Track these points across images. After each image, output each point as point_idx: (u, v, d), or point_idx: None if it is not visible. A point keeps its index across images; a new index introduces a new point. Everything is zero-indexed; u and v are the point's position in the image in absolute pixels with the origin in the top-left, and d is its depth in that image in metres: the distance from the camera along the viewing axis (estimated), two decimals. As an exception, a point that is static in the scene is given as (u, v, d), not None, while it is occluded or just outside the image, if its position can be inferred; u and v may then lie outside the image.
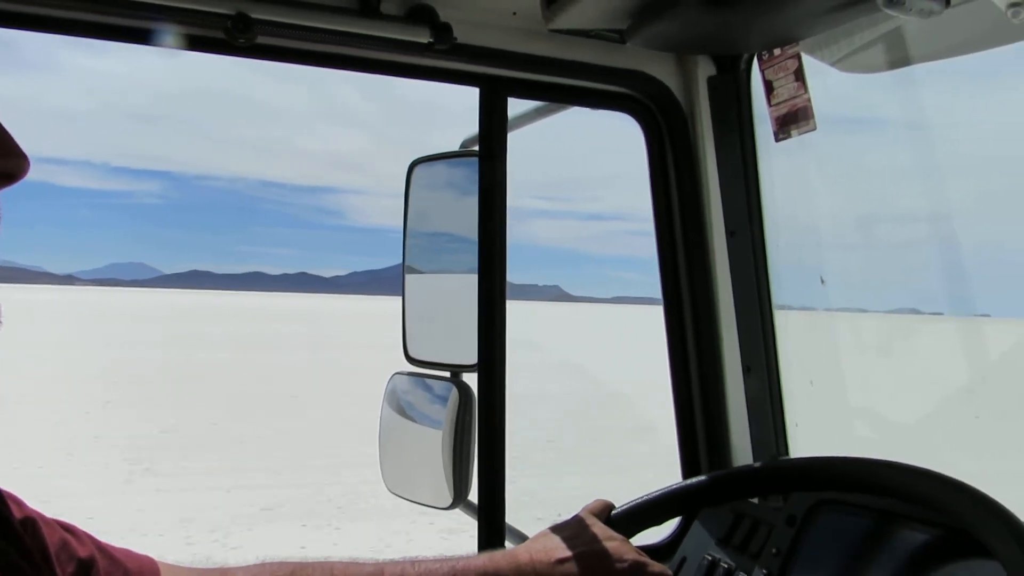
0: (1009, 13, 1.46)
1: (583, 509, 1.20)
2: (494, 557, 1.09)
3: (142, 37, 1.37)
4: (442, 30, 1.43)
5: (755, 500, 1.62)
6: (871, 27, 1.63)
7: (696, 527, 1.68)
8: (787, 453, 1.77)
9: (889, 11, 1.17)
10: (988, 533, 0.89)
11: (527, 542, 1.17)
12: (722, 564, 1.54)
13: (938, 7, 1.18)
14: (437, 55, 1.48)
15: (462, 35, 1.46)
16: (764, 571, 1.39)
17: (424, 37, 1.42)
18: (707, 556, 1.58)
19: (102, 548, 0.90)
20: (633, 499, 1.20)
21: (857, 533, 1.31)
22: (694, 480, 1.19)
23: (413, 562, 1.07)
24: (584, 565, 1.05)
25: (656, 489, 1.20)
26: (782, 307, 1.74)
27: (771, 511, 1.49)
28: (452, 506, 1.79)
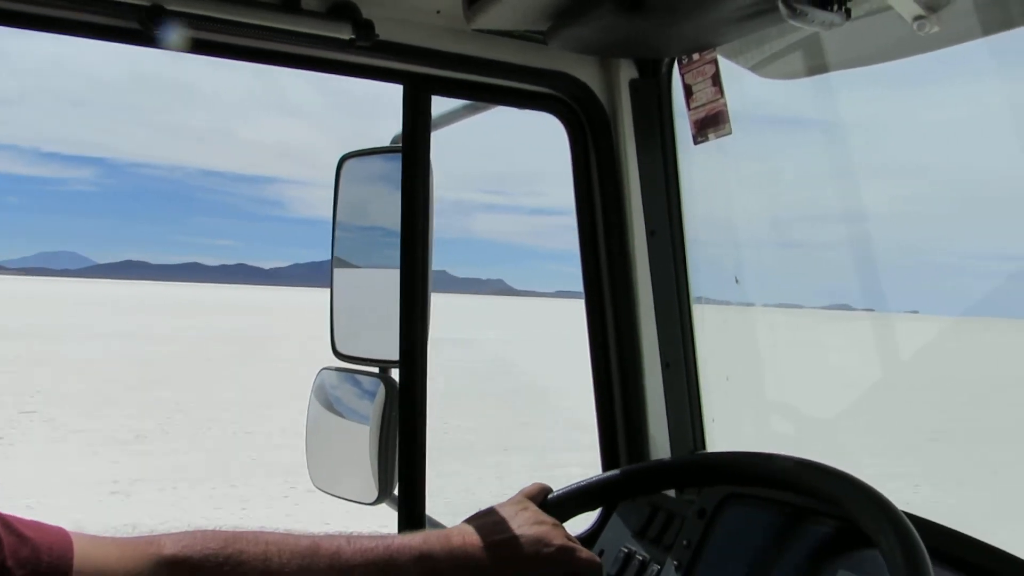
0: (915, 26, 1.53)
1: (519, 492, 1.22)
2: (428, 538, 1.09)
3: (56, 26, 1.34)
4: (364, 27, 1.43)
5: (672, 494, 1.67)
6: (785, 35, 1.69)
7: (614, 520, 1.73)
8: (704, 447, 1.82)
9: (794, 23, 1.22)
10: (869, 522, 0.94)
11: (461, 523, 1.18)
12: (637, 556, 1.58)
13: (839, 20, 1.24)
14: (360, 52, 1.48)
15: (385, 32, 1.47)
16: (675, 563, 1.44)
17: (346, 33, 1.42)
18: (623, 548, 1.62)
19: (7, 523, 0.86)
20: (569, 484, 1.22)
21: (762, 526, 1.37)
22: (625, 469, 1.23)
23: (349, 538, 1.06)
24: (513, 548, 1.06)
25: (593, 476, 1.23)
26: (700, 305, 1.79)
27: (685, 504, 1.54)
28: (377, 501, 1.80)
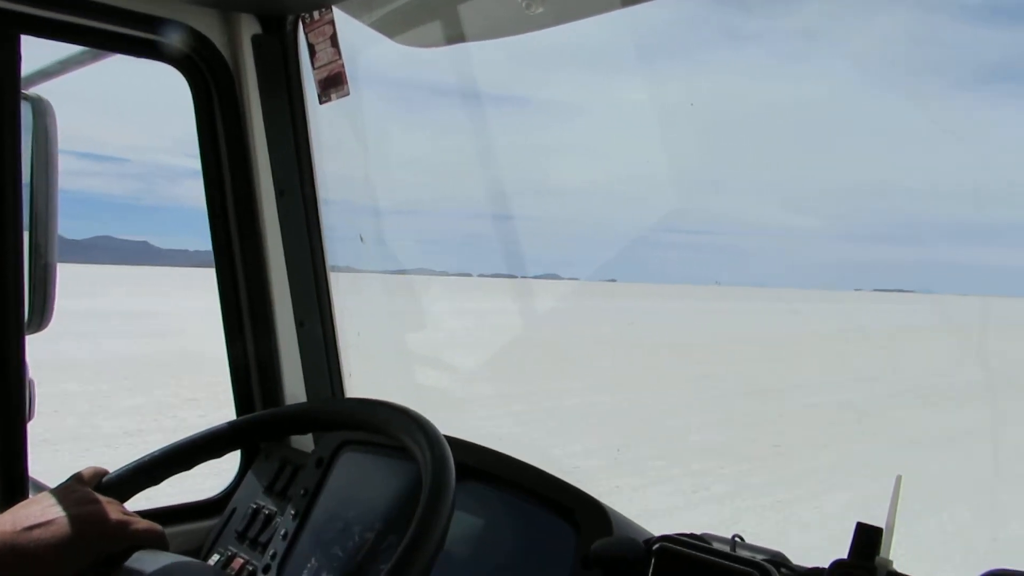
0: (523, 4, 1.69)
1: (71, 476, 1.16)
2: None
3: None
4: None
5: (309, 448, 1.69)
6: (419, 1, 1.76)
7: (249, 478, 1.72)
8: (343, 402, 1.87)
9: None
10: (410, 440, 1.03)
11: (7, 512, 1.10)
12: (264, 510, 1.59)
13: None
14: None
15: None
16: (292, 511, 1.47)
17: None
18: (253, 504, 1.62)
19: None
20: (128, 462, 1.18)
21: (371, 468, 1.45)
22: (194, 436, 1.20)
23: None
24: (55, 530, 1.01)
25: (155, 449, 1.19)
26: (336, 265, 1.83)
27: (308, 456, 1.57)
28: None
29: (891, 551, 0.88)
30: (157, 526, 1.08)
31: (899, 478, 0.91)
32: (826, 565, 0.94)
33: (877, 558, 0.87)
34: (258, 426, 1.27)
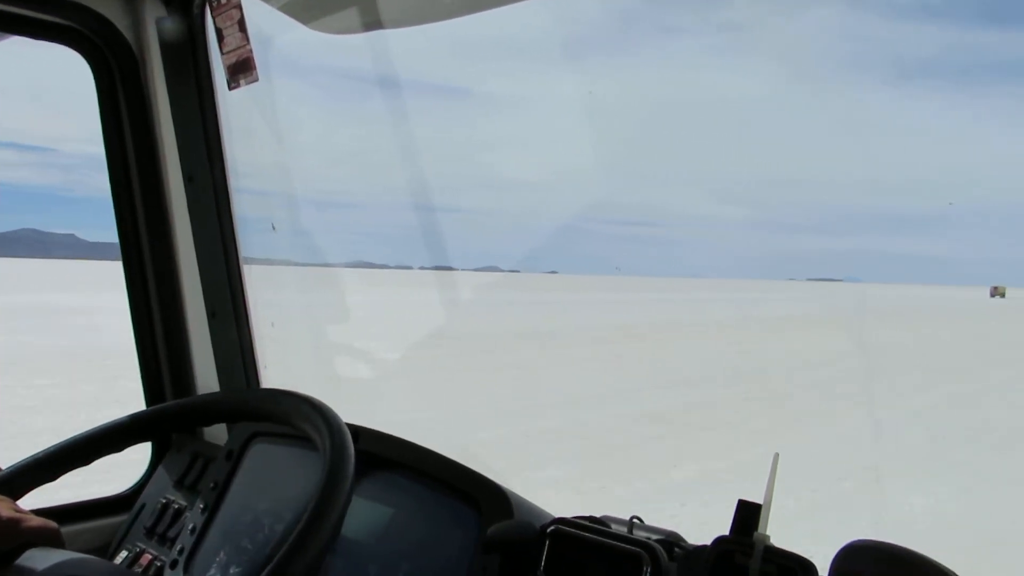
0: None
1: None
2: None
3: None
4: None
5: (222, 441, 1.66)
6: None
7: (159, 472, 1.69)
8: (259, 394, 1.85)
9: None
10: (311, 429, 1.03)
11: None
12: (174, 505, 1.56)
13: None
14: None
15: None
16: (201, 505, 1.45)
17: None
18: (163, 499, 1.59)
19: None
20: (22, 459, 1.14)
21: (281, 459, 1.43)
22: (92, 429, 1.17)
23: None
24: None
25: (52, 444, 1.15)
26: (253, 256, 1.79)
27: (219, 448, 1.55)
28: None
29: (768, 526, 0.91)
30: (51, 523, 1.05)
31: (776, 456, 0.94)
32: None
33: (755, 533, 0.91)
34: (159, 419, 1.25)
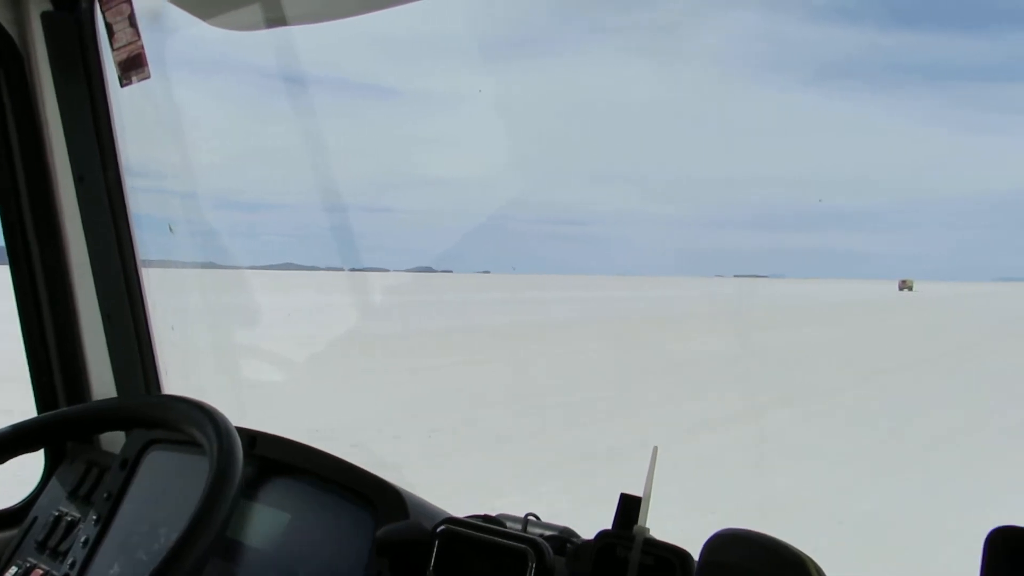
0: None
1: None
2: None
3: None
4: None
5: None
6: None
7: (52, 484, 1.63)
8: (159, 399, 1.79)
9: None
10: (196, 431, 1.02)
11: None
12: (67, 517, 1.51)
13: None
14: None
15: None
16: (94, 517, 1.40)
17: None
18: (55, 511, 1.54)
19: None
20: None
21: (176, 467, 1.40)
22: None
23: None
24: None
25: None
26: (146, 255, 1.74)
27: (115, 457, 1.50)
28: None
29: (647, 519, 0.94)
30: None
31: (655, 449, 0.97)
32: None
33: (635, 526, 0.93)
34: (41, 429, 1.20)
